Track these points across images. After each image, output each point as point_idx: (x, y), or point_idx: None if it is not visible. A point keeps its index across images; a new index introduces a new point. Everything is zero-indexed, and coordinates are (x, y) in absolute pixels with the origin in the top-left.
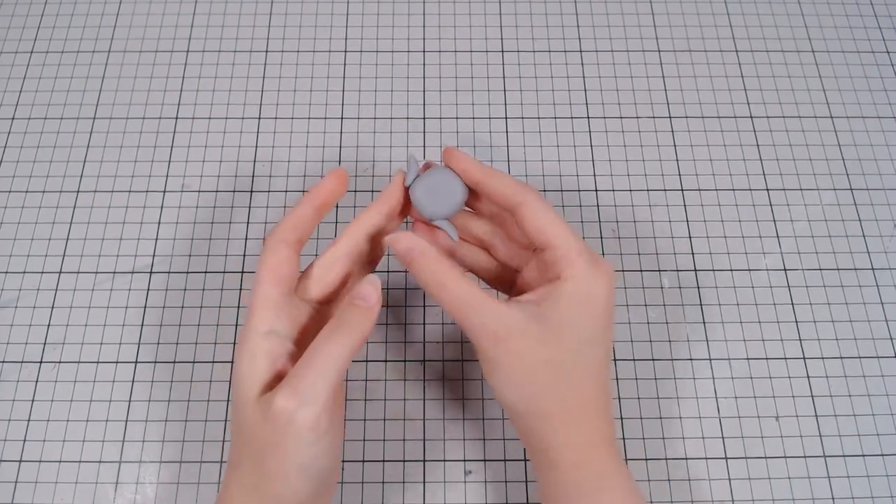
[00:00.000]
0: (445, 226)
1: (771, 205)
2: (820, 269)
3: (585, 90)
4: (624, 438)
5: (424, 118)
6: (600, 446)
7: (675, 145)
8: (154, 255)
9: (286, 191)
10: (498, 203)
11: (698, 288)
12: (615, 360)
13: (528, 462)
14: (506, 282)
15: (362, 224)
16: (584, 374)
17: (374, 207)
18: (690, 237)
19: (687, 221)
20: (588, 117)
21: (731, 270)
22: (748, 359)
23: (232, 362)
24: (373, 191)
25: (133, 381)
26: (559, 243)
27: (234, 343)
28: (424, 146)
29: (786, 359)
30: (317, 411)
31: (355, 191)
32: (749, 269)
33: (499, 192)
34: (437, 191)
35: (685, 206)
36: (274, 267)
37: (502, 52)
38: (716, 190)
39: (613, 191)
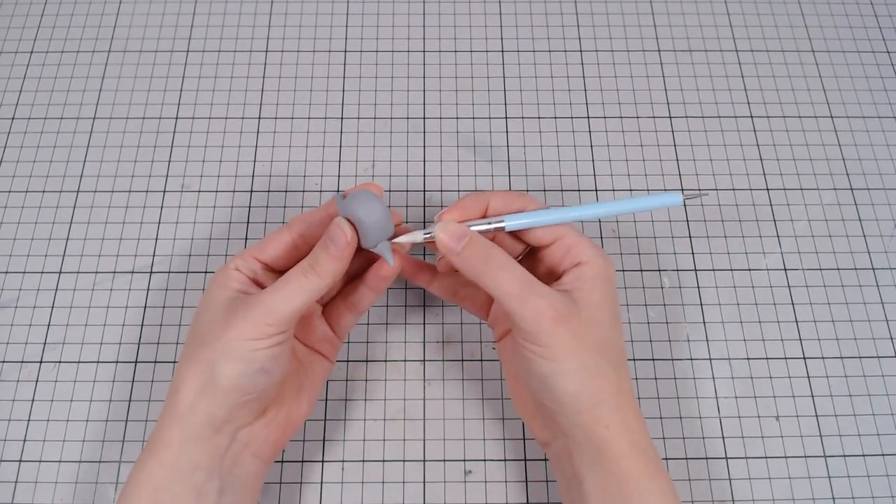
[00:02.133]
0: (383, 249)
1: (771, 204)
2: (820, 269)
3: (585, 90)
4: None
5: (424, 118)
6: (646, 428)
7: (675, 145)
8: (154, 255)
9: (286, 191)
10: (505, 213)
11: (698, 288)
12: None
13: (528, 462)
14: (483, 305)
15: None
16: (621, 350)
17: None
18: (690, 237)
19: (687, 221)
20: (588, 117)
21: (732, 270)
22: (748, 359)
23: None
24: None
25: (133, 381)
26: (566, 233)
27: None
28: (424, 146)
29: (786, 359)
30: (271, 328)
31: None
32: (749, 269)
33: (502, 204)
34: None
35: (685, 205)
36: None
37: (502, 52)
38: (716, 190)
39: (613, 191)
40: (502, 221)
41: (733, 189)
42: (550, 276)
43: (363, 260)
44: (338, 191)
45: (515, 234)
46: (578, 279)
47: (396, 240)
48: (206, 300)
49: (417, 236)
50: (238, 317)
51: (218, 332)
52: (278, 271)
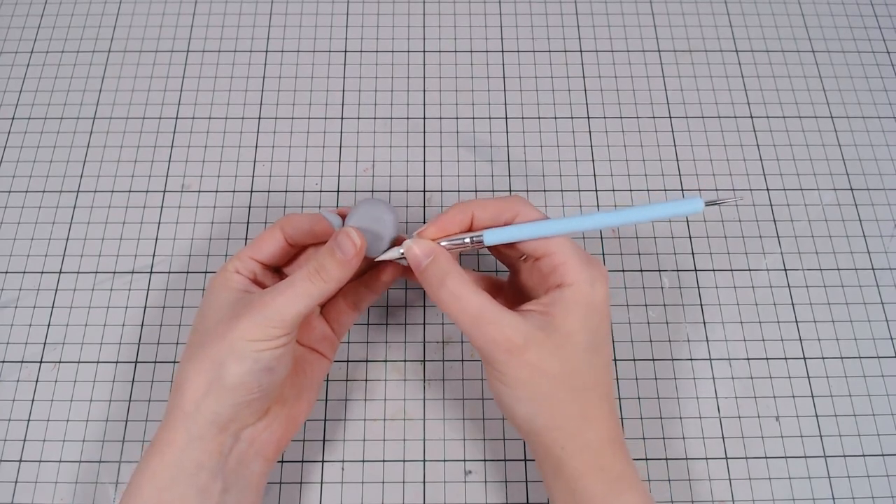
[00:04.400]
0: (393, 255)
1: (771, 204)
2: (820, 269)
3: (585, 90)
4: (624, 438)
5: (424, 118)
6: (615, 446)
7: (675, 145)
8: (154, 255)
9: (286, 191)
10: (491, 224)
11: (698, 288)
12: (615, 360)
13: (528, 462)
14: None
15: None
16: (597, 377)
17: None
18: (691, 237)
19: (687, 221)
20: (588, 117)
21: (732, 270)
22: (748, 359)
23: None
24: (372, 191)
25: (133, 381)
26: (555, 249)
27: None
28: (424, 146)
29: (786, 359)
30: (276, 331)
31: (355, 191)
32: (749, 269)
33: (491, 214)
34: (369, 229)
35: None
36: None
37: (502, 52)
38: (716, 190)
39: (614, 191)
40: (481, 235)
41: (733, 189)
42: (540, 290)
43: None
44: (338, 191)
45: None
46: (554, 303)
47: (381, 257)
48: (209, 302)
49: (394, 253)
50: (244, 318)
51: (223, 332)
52: (276, 268)
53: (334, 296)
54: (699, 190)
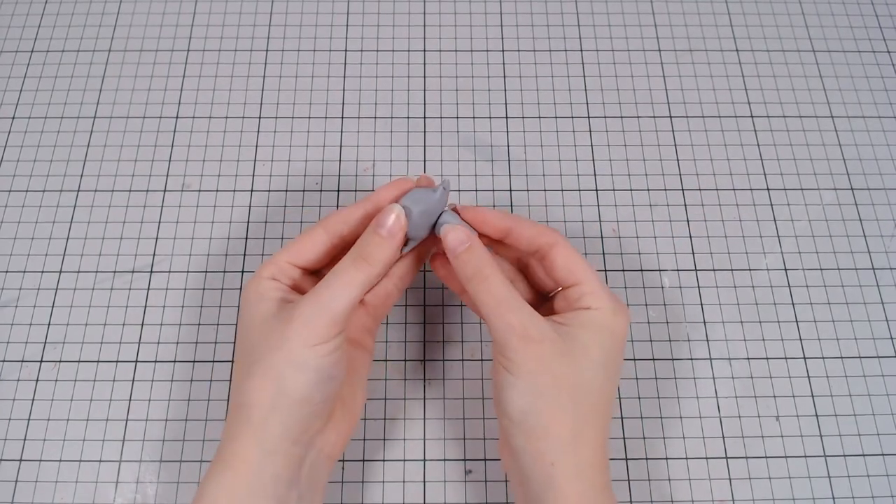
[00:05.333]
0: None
1: (771, 204)
2: (820, 269)
3: (586, 90)
4: (624, 438)
5: (424, 118)
6: (604, 482)
7: (675, 145)
8: (154, 255)
9: (286, 190)
10: (525, 246)
11: (699, 287)
12: None
13: None
14: None
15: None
16: (600, 398)
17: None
18: (691, 237)
19: (687, 221)
20: (588, 117)
21: (732, 270)
22: (748, 358)
23: (232, 362)
24: (373, 190)
25: (133, 381)
26: (587, 280)
27: (235, 343)
28: (424, 146)
29: (786, 358)
30: (331, 329)
31: (355, 190)
32: (749, 269)
33: (527, 236)
34: (426, 210)
35: (686, 205)
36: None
37: (502, 51)
38: (716, 189)
39: (614, 190)
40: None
41: (733, 189)
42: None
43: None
44: (338, 191)
45: (546, 270)
46: (576, 317)
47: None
48: (249, 315)
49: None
50: (295, 323)
51: (278, 342)
52: (317, 272)
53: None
54: (700, 189)
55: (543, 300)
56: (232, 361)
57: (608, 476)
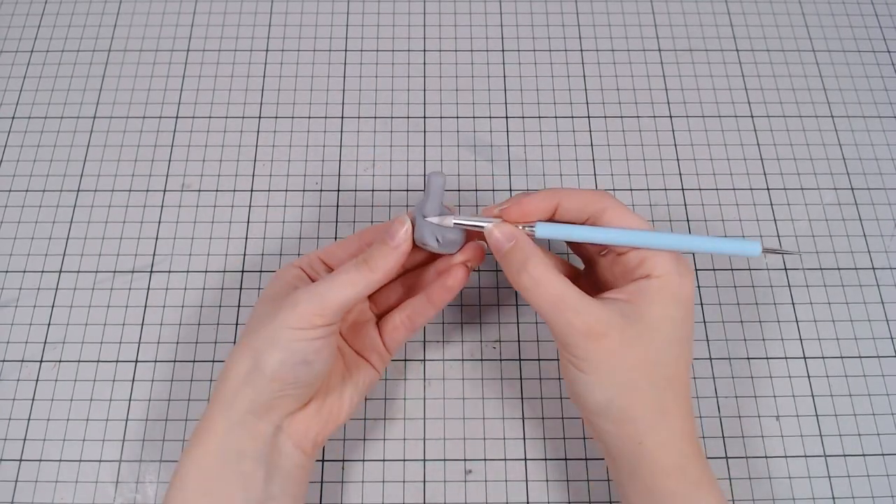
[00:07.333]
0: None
1: (772, 204)
2: (821, 269)
3: (586, 89)
4: None
5: (424, 118)
6: (693, 446)
7: (675, 144)
8: (154, 255)
9: (286, 190)
10: (575, 217)
11: (699, 288)
12: None
13: (528, 461)
14: None
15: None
16: (677, 372)
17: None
18: None
19: (688, 221)
20: (588, 117)
21: (732, 270)
22: (749, 358)
23: None
24: (373, 190)
25: (133, 381)
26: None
27: (234, 342)
28: (424, 146)
29: (786, 358)
30: (316, 319)
31: (355, 190)
32: (750, 269)
33: (576, 207)
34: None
35: (686, 205)
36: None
37: (502, 51)
38: (716, 189)
39: (614, 190)
40: (534, 227)
41: (733, 189)
42: (621, 282)
43: (422, 270)
44: (338, 191)
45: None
46: (640, 291)
47: (458, 220)
48: (264, 293)
49: (485, 224)
50: (286, 306)
51: (267, 321)
52: None
53: (390, 310)
54: (700, 189)
55: (594, 263)
56: None
57: (697, 445)
